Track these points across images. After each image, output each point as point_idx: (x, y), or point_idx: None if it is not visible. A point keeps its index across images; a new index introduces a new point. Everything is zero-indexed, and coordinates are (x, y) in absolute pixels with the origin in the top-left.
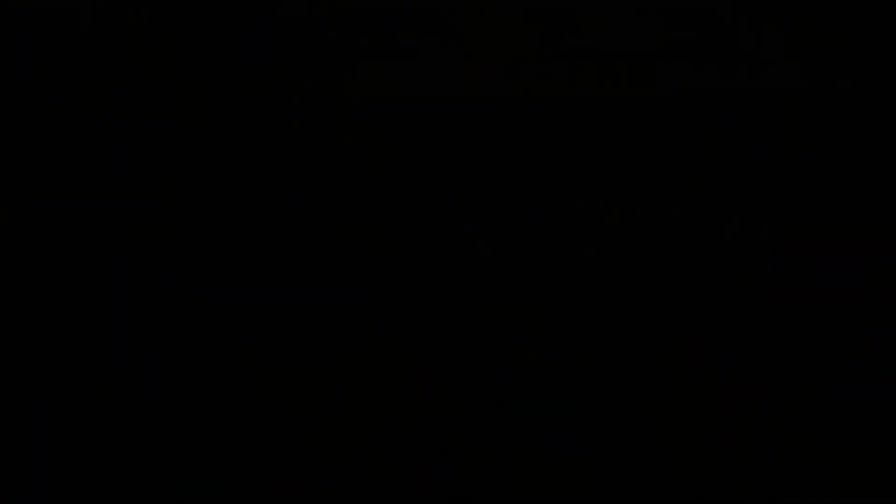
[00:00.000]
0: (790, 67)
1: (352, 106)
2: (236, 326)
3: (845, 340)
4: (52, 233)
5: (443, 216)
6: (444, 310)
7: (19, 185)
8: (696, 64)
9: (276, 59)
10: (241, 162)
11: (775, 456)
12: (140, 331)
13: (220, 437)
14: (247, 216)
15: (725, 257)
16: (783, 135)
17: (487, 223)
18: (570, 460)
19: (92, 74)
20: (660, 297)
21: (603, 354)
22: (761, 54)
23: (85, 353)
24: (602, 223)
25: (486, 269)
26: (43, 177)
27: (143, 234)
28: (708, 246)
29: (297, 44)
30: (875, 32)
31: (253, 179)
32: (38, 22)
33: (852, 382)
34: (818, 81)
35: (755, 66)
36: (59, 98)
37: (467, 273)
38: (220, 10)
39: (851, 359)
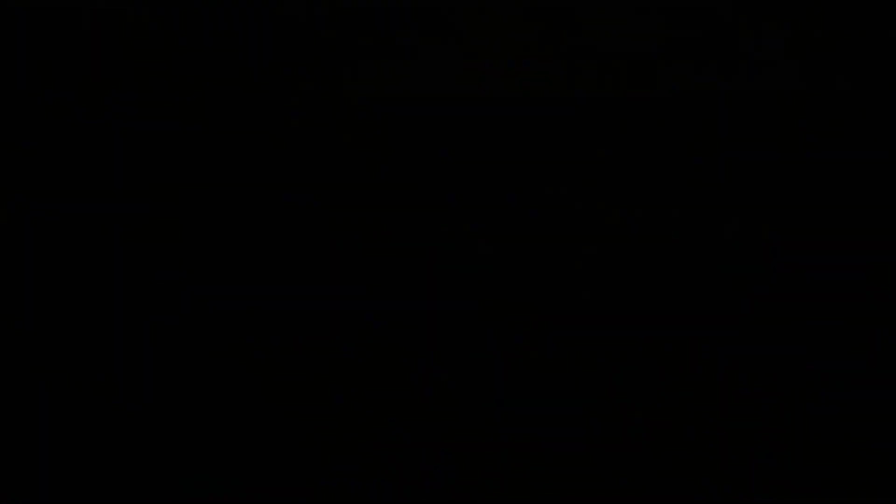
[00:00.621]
0: (790, 67)
1: (352, 106)
2: (236, 326)
3: (845, 340)
4: (52, 233)
5: (443, 216)
6: (444, 310)
7: (19, 185)
8: (696, 64)
9: (276, 59)
10: (241, 162)
11: (775, 456)
12: (140, 331)
13: (220, 437)
14: (247, 216)
15: (725, 257)
16: (783, 135)
17: (487, 223)
18: (570, 460)
19: (92, 74)
20: (660, 297)
21: (603, 354)
22: (761, 54)
23: (85, 353)
24: (602, 223)
25: (486, 269)
26: (43, 177)
27: (143, 234)
28: (708, 246)
29: (297, 44)
30: (875, 32)
31: (253, 179)
32: (38, 22)
33: (852, 382)
34: (818, 81)
35: (755, 66)
36: (59, 98)
37: (467, 273)
38: (220, 10)
39: (851, 359)
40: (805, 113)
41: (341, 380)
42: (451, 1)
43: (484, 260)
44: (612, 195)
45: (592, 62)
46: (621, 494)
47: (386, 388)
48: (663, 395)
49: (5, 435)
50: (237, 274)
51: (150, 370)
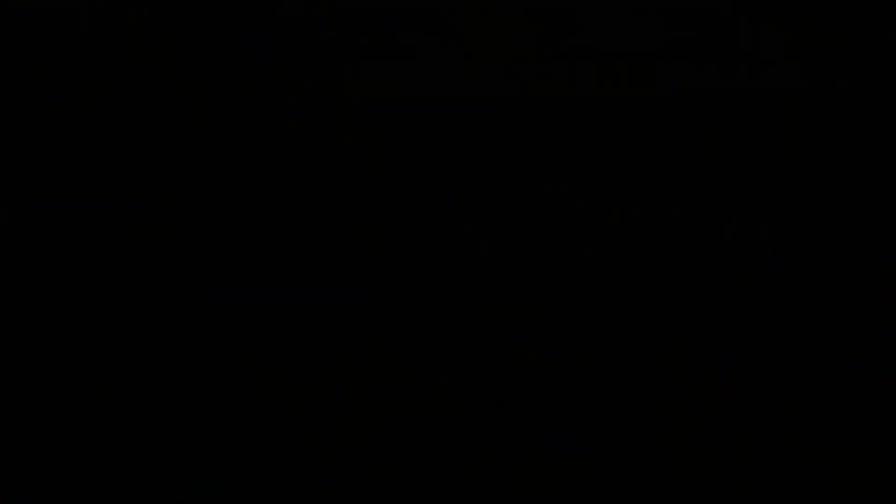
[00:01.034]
0: (790, 67)
1: (352, 106)
2: (236, 326)
3: (845, 340)
4: (52, 233)
5: (443, 216)
6: (444, 310)
7: (19, 185)
8: (696, 64)
9: (276, 59)
10: (241, 162)
11: (775, 456)
12: (140, 331)
13: (220, 437)
14: (247, 216)
15: (725, 257)
16: (783, 135)
17: (487, 223)
18: (570, 460)
19: (92, 74)
20: (660, 297)
21: (603, 354)
22: (761, 54)
23: (85, 353)
24: (602, 223)
25: (486, 269)
26: (43, 177)
27: (143, 234)
28: (708, 246)
29: (297, 44)
30: (875, 32)
31: (253, 179)
32: (38, 22)
33: (852, 382)
34: (818, 81)
35: (755, 66)
36: (59, 98)
37: (467, 273)
38: (220, 10)
39: (851, 359)
40: (805, 113)
41: (341, 380)
42: (451, 1)
43: (484, 260)
44: (612, 195)
45: (592, 62)
46: (621, 494)
47: (386, 388)
48: (663, 395)
49: (5, 435)
50: (237, 274)
51: (150, 370)
